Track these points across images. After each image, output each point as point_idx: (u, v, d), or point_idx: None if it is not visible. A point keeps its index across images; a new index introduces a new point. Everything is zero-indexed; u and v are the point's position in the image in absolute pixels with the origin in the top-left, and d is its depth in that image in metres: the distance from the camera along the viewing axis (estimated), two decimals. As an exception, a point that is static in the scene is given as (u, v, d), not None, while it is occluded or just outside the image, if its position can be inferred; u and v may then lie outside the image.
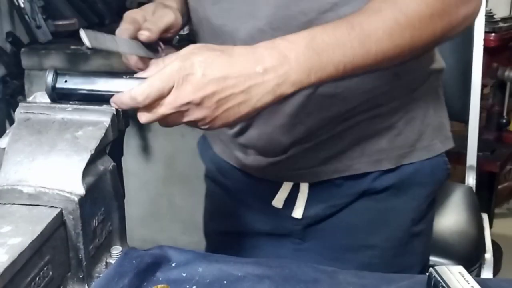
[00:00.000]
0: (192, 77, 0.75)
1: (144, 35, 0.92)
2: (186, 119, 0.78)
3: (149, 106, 0.77)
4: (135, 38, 0.92)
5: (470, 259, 1.71)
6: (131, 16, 0.94)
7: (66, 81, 0.84)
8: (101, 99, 0.83)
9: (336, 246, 1.09)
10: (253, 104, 0.77)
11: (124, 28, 0.92)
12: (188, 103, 0.76)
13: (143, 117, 0.78)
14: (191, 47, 0.78)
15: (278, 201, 1.06)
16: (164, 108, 0.77)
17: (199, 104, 0.76)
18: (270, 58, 0.77)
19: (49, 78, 0.84)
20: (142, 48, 0.93)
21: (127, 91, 0.77)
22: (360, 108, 0.97)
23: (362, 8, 0.83)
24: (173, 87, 0.75)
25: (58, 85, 0.84)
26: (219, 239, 1.21)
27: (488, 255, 1.79)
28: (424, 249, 1.14)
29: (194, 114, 0.77)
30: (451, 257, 1.61)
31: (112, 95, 0.81)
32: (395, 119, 1.00)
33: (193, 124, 0.80)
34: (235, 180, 1.12)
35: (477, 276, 1.73)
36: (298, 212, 1.05)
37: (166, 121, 0.79)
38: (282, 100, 0.80)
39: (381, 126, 0.99)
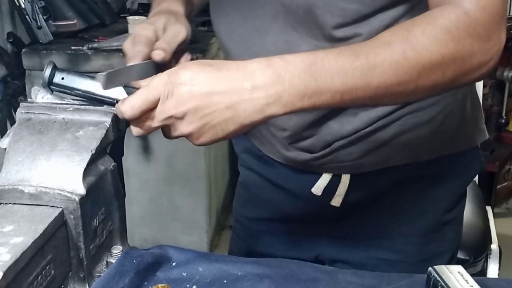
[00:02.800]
0: (177, 91, 0.74)
1: (159, 55, 0.89)
2: (175, 133, 0.77)
3: (139, 120, 0.77)
4: (148, 58, 0.89)
5: (478, 250, 1.76)
6: (143, 34, 0.91)
7: (63, 78, 0.85)
8: (95, 100, 0.85)
9: (370, 233, 1.10)
10: (241, 121, 0.75)
11: (138, 51, 0.89)
12: (170, 117, 0.75)
13: (134, 131, 0.78)
14: (184, 63, 0.78)
15: (318, 189, 1.05)
16: (152, 122, 0.76)
17: (182, 118, 0.75)
18: (262, 75, 0.74)
19: (47, 72, 0.85)
20: (155, 68, 0.90)
21: (117, 104, 0.77)
22: (403, 104, 0.97)
23: (372, 38, 0.79)
24: (159, 99, 0.75)
25: (55, 81, 0.85)
26: (252, 225, 1.22)
27: (494, 246, 1.83)
28: (455, 237, 1.15)
29: (180, 129, 0.76)
30: (460, 248, 1.63)
31: (106, 98, 0.83)
32: (435, 112, 1.00)
33: (186, 138, 0.79)
34: (274, 169, 1.12)
35: (484, 266, 1.77)
36: (337, 200, 1.06)
37: (165, 134, 0.79)
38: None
39: (422, 119, 1.00)
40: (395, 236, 1.09)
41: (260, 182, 1.16)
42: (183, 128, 0.76)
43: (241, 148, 1.21)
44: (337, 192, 1.05)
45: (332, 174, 1.04)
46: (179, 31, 0.95)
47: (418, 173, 1.05)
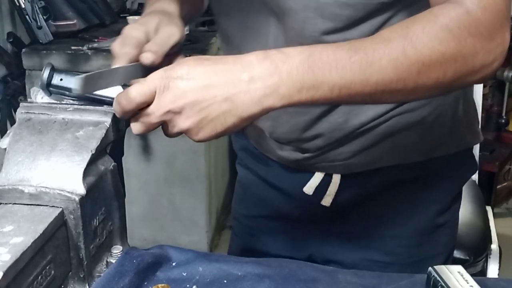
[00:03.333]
0: (173, 85, 0.74)
1: (148, 59, 0.85)
2: (174, 129, 0.77)
3: (137, 116, 0.77)
4: (136, 61, 0.85)
5: (478, 250, 1.77)
6: (132, 35, 0.87)
7: (61, 79, 0.85)
8: (94, 101, 0.84)
9: (362, 234, 1.10)
10: (239, 113, 0.74)
11: (125, 52, 0.85)
12: (168, 112, 0.75)
13: (134, 128, 0.78)
14: (181, 59, 0.78)
15: (309, 188, 1.06)
16: (150, 118, 0.76)
17: (179, 113, 0.74)
18: (260, 67, 0.74)
19: (45, 74, 0.85)
20: (143, 71, 0.84)
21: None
22: (393, 105, 0.97)
23: (371, 35, 0.78)
24: (155, 93, 0.75)
25: (53, 82, 0.85)
26: (248, 223, 1.23)
27: (494, 246, 1.83)
28: (449, 240, 1.14)
29: (178, 124, 0.75)
30: (460, 248, 1.65)
31: (106, 98, 0.83)
32: (425, 114, 1.00)
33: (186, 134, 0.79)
34: (268, 167, 1.13)
35: (484, 266, 1.77)
36: (327, 200, 1.06)
37: (165, 131, 0.79)
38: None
39: (412, 120, 0.99)
40: (387, 237, 1.09)
41: (255, 180, 1.17)
42: (182, 123, 0.75)
43: (239, 146, 1.22)
44: (327, 192, 1.05)
45: (324, 173, 1.05)
46: (172, 33, 0.91)
47: (409, 174, 1.04)
